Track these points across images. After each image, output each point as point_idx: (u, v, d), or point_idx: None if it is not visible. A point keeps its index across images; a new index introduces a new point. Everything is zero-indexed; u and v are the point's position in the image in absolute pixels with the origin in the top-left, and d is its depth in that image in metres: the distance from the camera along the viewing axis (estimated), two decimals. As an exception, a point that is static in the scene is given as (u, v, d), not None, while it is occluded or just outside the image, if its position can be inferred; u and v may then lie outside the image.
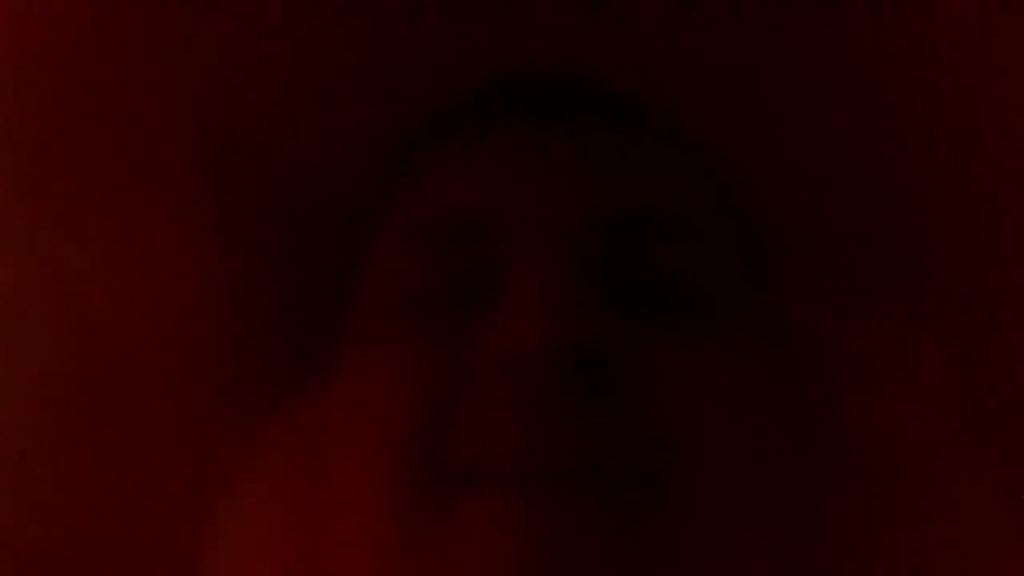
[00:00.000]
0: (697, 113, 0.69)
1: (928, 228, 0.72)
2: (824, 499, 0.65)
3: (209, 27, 0.71)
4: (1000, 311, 0.72)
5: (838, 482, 0.65)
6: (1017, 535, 0.66)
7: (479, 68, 0.70)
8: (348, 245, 0.67)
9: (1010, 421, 0.70)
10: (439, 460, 0.58)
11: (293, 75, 0.72)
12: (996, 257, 0.72)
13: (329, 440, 0.62)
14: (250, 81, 0.71)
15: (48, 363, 0.69)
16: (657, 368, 0.59)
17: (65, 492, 0.68)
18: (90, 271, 0.69)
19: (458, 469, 0.58)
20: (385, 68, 0.72)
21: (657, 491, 0.57)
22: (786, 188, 0.72)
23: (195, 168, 0.71)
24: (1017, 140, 0.72)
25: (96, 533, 0.67)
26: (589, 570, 0.56)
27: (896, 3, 0.71)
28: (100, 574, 0.67)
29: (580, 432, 0.57)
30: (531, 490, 0.56)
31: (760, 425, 0.61)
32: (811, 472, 0.64)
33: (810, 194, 0.72)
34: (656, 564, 0.57)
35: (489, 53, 0.71)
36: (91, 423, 0.69)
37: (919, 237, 0.72)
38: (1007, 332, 0.71)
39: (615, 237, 0.61)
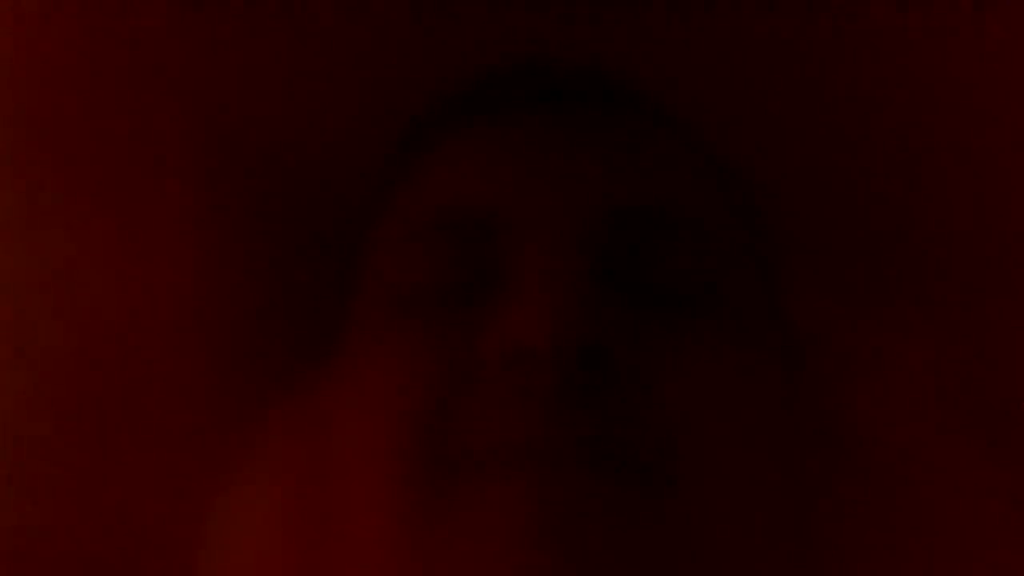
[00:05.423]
0: (703, 108, 0.69)
1: (930, 227, 0.72)
2: (824, 495, 0.65)
3: (209, 25, 0.71)
4: (1000, 309, 0.72)
5: (838, 478, 0.65)
6: (1015, 534, 0.66)
7: (483, 60, 0.70)
8: (351, 239, 0.67)
9: (1010, 420, 0.70)
10: (444, 451, 0.58)
11: (294, 70, 0.72)
12: (997, 256, 0.72)
13: (332, 432, 0.62)
14: (251, 78, 0.71)
15: (48, 360, 0.69)
16: (660, 362, 0.59)
17: (65, 488, 0.68)
18: (90, 268, 0.69)
19: (463, 458, 0.58)
20: (386, 62, 0.72)
21: (657, 482, 0.57)
22: (791, 185, 0.72)
23: (196, 165, 0.71)
24: (1019, 140, 0.72)
25: (95, 528, 0.67)
26: (595, 556, 0.56)
27: (903, 4, 0.71)
28: (100, 570, 0.67)
29: (585, 421, 0.57)
30: (538, 477, 0.56)
31: (761, 420, 0.61)
32: (811, 468, 0.64)
33: (814, 191, 0.72)
34: (656, 553, 0.57)
35: (493, 45, 0.71)
36: (91, 419, 0.69)
37: (921, 236, 0.72)
38: (1007, 331, 0.71)
39: (620, 232, 0.61)
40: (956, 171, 0.72)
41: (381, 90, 0.72)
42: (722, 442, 0.59)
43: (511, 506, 0.56)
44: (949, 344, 0.70)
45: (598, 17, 0.71)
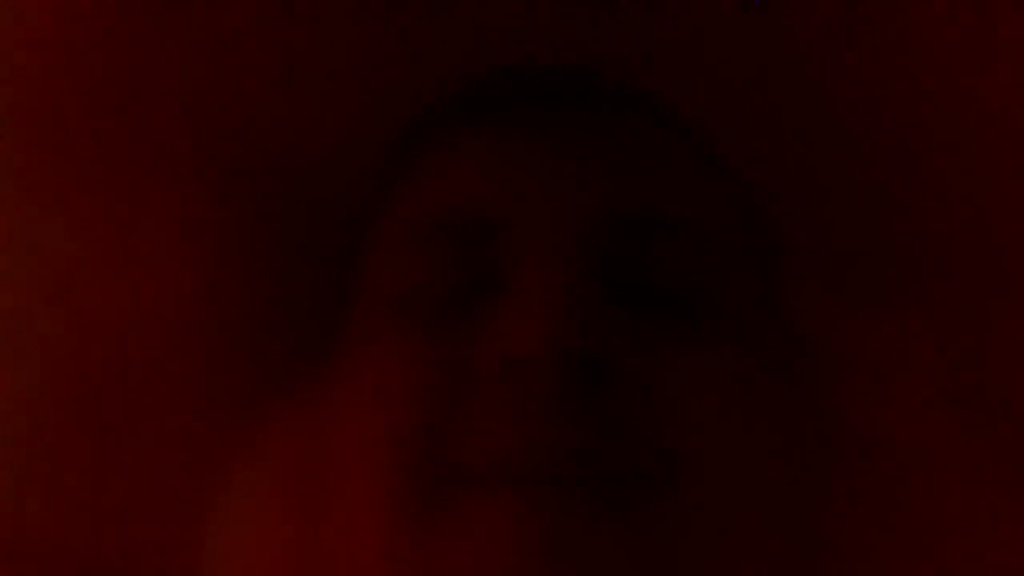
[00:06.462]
0: (703, 109, 0.69)
1: (930, 227, 0.72)
2: (825, 496, 0.65)
3: (209, 25, 0.71)
4: (1000, 309, 0.72)
5: (839, 479, 0.65)
6: (1016, 533, 0.66)
7: (483, 60, 0.70)
8: (350, 242, 0.67)
9: (1010, 420, 0.70)
10: (442, 459, 0.58)
11: (293, 70, 0.71)
12: (997, 256, 0.72)
13: (330, 437, 0.62)
14: (251, 78, 0.71)
15: (48, 362, 0.69)
16: (660, 369, 0.59)
17: (65, 488, 0.68)
18: (90, 268, 0.69)
19: (462, 469, 0.58)
20: (386, 62, 0.72)
21: (658, 492, 0.57)
22: (791, 185, 0.71)
23: (196, 165, 0.71)
24: (1019, 140, 0.72)
25: (95, 530, 0.67)
26: (593, 570, 0.56)
27: (903, 4, 0.71)
28: (100, 570, 0.67)
29: (583, 433, 0.57)
30: (535, 491, 0.56)
31: (763, 426, 0.61)
32: (813, 472, 0.64)
33: (814, 191, 0.72)
34: (657, 564, 0.57)
35: (494, 45, 0.71)
36: (91, 419, 0.69)
37: (921, 235, 0.72)
38: (1007, 331, 0.71)
39: (620, 235, 0.61)
40: (956, 171, 0.72)
41: (381, 90, 0.71)
42: (723, 445, 0.59)
43: (509, 519, 0.56)
44: (949, 344, 0.70)
45: (598, 18, 0.71)
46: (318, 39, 0.72)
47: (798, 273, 0.70)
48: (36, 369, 0.69)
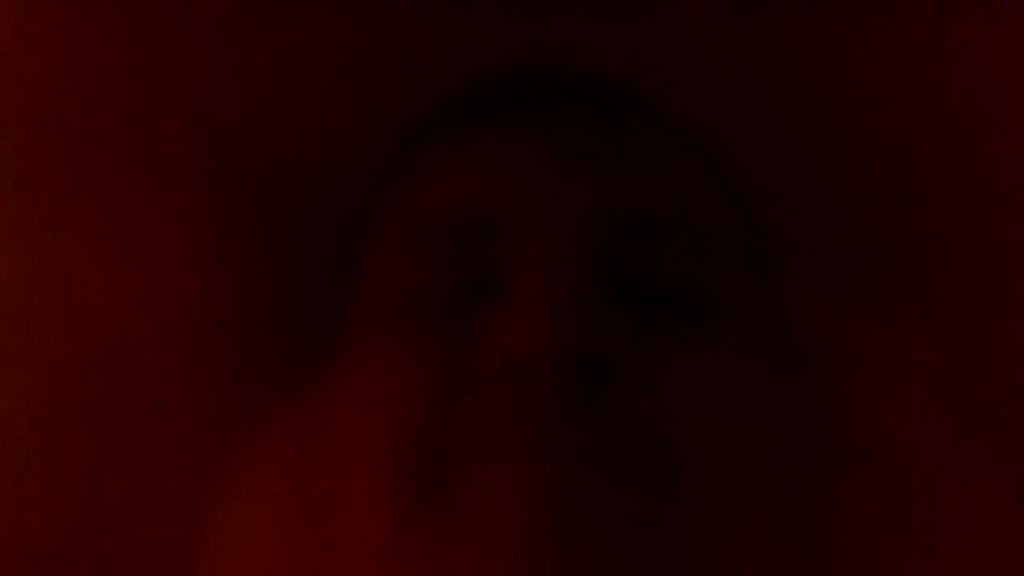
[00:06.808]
0: (703, 109, 0.69)
1: (930, 227, 0.72)
2: (825, 496, 0.65)
3: (209, 26, 0.71)
4: (1000, 309, 0.72)
5: (839, 479, 0.65)
6: (1016, 533, 0.66)
7: (483, 61, 0.70)
8: (350, 242, 0.67)
9: (1010, 419, 0.70)
10: (442, 460, 0.58)
11: (293, 70, 0.72)
12: (997, 256, 0.72)
13: (331, 437, 0.62)
14: (250, 78, 0.72)
15: (48, 362, 0.69)
16: (661, 369, 0.59)
17: (65, 488, 0.68)
18: (91, 269, 0.69)
19: (461, 467, 0.58)
20: (386, 62, 0.72)
21: (658, 485, 0.57)
22: (791, 185, 0.72)
23: (196, 165, 0.71)
24: (1019, 140, 0.72)
25: (94, 529, 0.67)
26: (595, 560, 0.56)
27: (903, 5, 0.71)
28: (100, 570, 0.67)
29: (583, 434, 0.57)
30: (535, 491, 0.56)
31: (763, 426, 0.61)
32: (812, 469, 0.64)
33: (814, 191, 0.72)
34: (658, 564, 0.57)
35: (493, 46, 0.71)
36: (91, 420, 0.69)
37: (921, 236, 0.72)
38: (1007, 331, 0.71)
39: (620, 236, 0.61)
40: (956, 171, 0.72)
41: (381, 90, 0.72)
42: (723, 445, 0.59)
43: (509, 519, 0.56)
44: (949, 344, 0.70)
45: (597, 18, 0.71)
46: (318, 39, 0.72)
47: (798, 273, 0.70)
48: (36, 369, 0.69)
